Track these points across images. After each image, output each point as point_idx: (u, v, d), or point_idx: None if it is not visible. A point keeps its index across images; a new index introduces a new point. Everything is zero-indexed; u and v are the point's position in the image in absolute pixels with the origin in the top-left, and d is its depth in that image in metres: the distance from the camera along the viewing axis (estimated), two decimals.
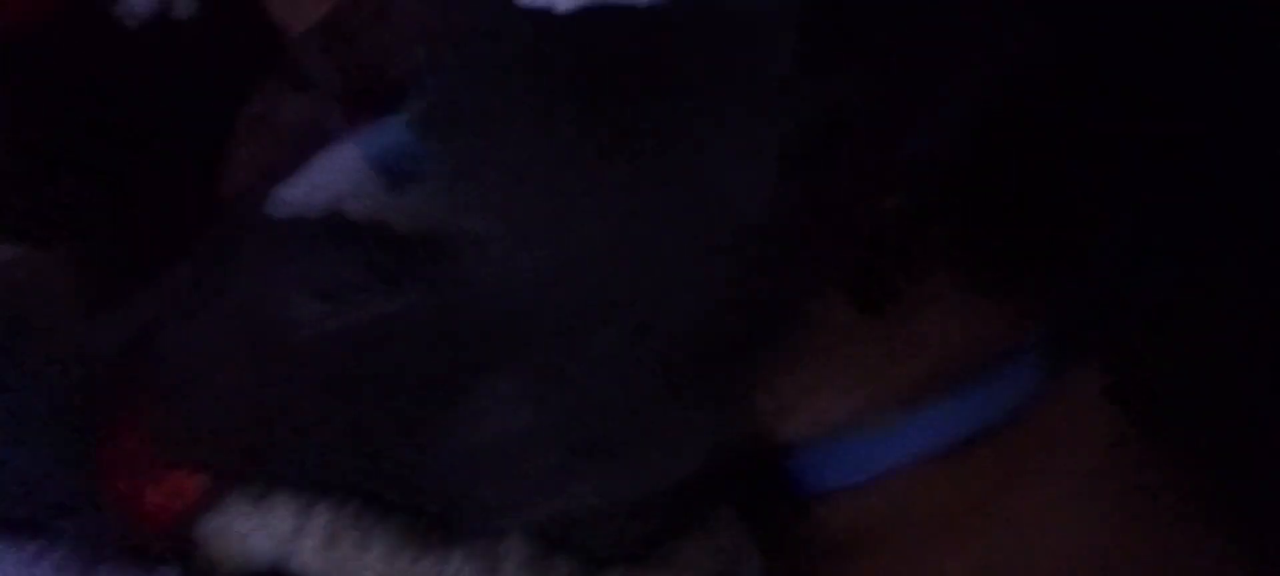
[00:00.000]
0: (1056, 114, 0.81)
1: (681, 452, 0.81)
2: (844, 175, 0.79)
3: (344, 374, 0.85)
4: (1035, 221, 0.82)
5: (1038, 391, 0.83)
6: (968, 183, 0.81)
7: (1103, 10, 0.80)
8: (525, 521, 0.84)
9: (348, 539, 0.84)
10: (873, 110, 0.78)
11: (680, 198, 0.78)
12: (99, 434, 0.87)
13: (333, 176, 0.91)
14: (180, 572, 0.86)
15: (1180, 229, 0.83)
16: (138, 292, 0.91)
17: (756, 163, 0.77)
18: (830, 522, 0.86)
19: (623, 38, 0.76)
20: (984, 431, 0.82)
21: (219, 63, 1.01)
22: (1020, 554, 0.83)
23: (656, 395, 0.80)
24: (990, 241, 0.83)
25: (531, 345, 0.80)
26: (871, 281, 0.82)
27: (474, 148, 0.81)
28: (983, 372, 0.83)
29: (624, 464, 0.81)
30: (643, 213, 0.78)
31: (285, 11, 1.00)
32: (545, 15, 0.76)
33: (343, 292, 0.85)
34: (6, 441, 0.88)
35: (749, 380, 0.82)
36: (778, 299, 0.81)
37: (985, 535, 0.84)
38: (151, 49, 1.01)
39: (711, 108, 0.77)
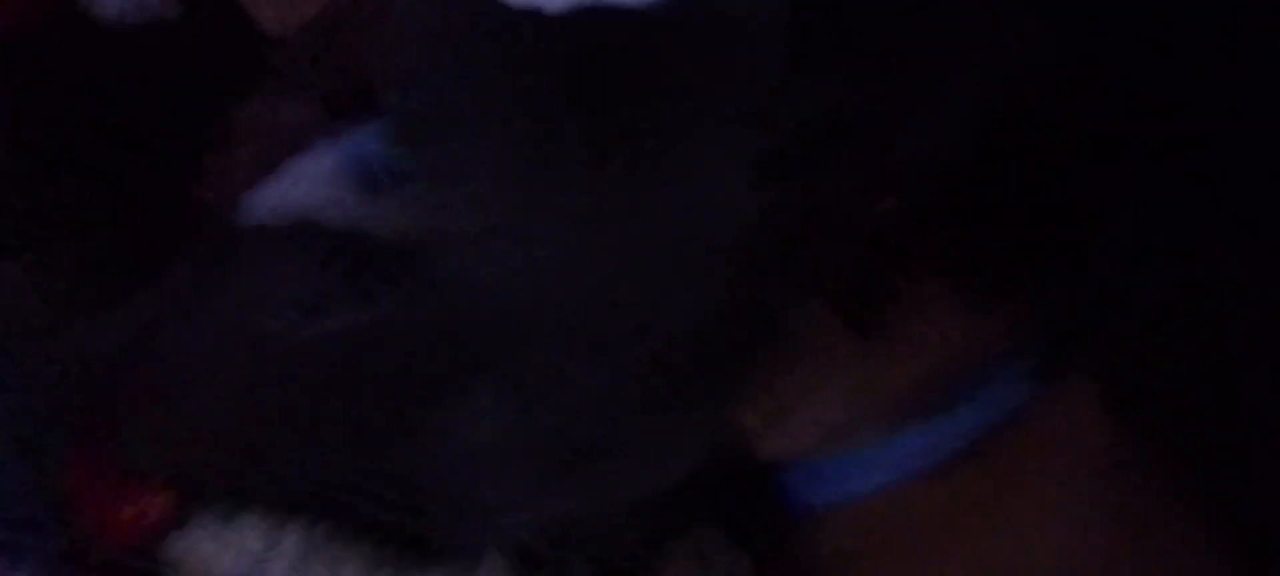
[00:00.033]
0: (1052, 118, 0.80)
1: (664, 463, 0.80)
2: (839, 178, 0.78)
3: (318, 386, 0.83)
4: (1029, 228, 0.82)
5: (1030, 400, 0.82)
6: (962, 188, 0.80)
7: (1098, 12, 0.80)
8: (505, 538, 0.83)
9: (320, 559, 0.82)
10: (868, 112, 0.77)
11: (664, 206, 0.77)
12: (67, 450, 0.86)
13: (308, 182, 0.90)
14: None
15: (1175, 235, 0.82)
16: (111, 304, 0.89)
17: (744, 172, 0.76)
18: (823, 538, 0.86)
19: (612, 40, 0.75)
20: (976, 443, 0.82)
21: (200, 66, 1.00)
22: (1014, 565, 0.83)
23: (638, 405, 0.79)
24: (984, 249, 0.82)
25: (510, 354, 0.79)
26: (864, 292, 0.81)
27: (454, 152, 0.80)
28: (975, 383, 0.82)
29: (605, 475, 0.80)
30: (625, 220, 0.77)
31: (269, 15, 0.99)
32: (534, 16, 0.75)
33: (317, 302, 0.84)
34: None
35: (735, 391, 0.81)
36: (765, 308, 0.80)
37: (979, 546, 0.83)
38: (130, 51, 1.00)
39: (699, 115, 0.76)
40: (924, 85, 0.78)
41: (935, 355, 0.82)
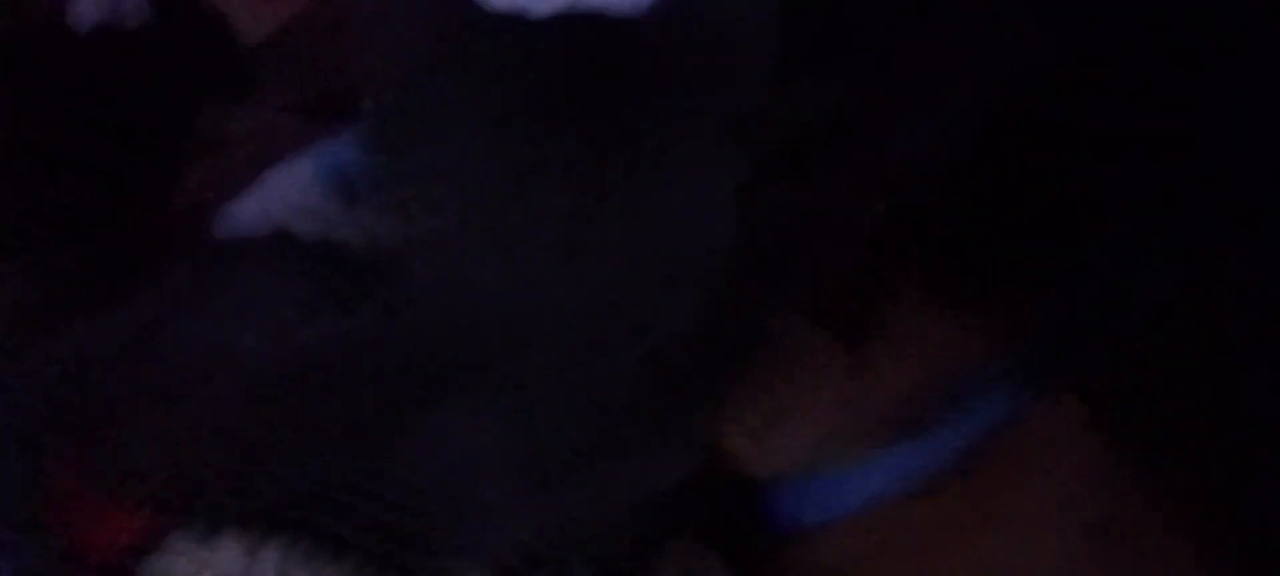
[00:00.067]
0: (1039, 129, 0.80)
1: (651, 474, 0.80)
2: (827, 185, 0.78)
3: (296, 402, 0.82)
4: (1015, 242, 0.82)
5: (1017, 416, 0.82)
6: (949, 198, 0.80)
7: (1088, 24, 0.79)
8: (485, 556, 0.81)
9: None
10: (857, 118, 0.77)
11: (651, 213, 0.77)
12: (41, 468, 0.85)
13: (284, 194, 0.89)
14: None
15: (1162, 249, 0.82)
16: (85, 316, 0.88)
17: (733, 180, 0.75)
18: (811, 555, 0.85)
19: (599, 46, 0.75)
20: (963, 460, 0.82)
21: (174, 75, 0.99)
22: None
23: (624, 415, 0.78)
24: (970, 262, 0.82)
25: (491, 364, 0.79)
26: (851, 303, 0.81)
27: (432, 160, 0.80)
28: (962, 397, 0.82)
29: (591, 486, 0.79)
30: (612, 228, 0.77)
31: (244, 21, 0.98)
32: (518, 21, 0.75)
33: (295, 317, 0.83)
34: None
35: (724, 400, 0.81)
36: (754, 317, 0.79)
37: (968, 562, 0.83)
38: (104, 59, 0.99)
39: (687, 123, 0.76)
40: (913, 93, 0.78)
41: (922, 368, 0.82)
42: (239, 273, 0.86)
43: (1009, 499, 0.82)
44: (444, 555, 0.80)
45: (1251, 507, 0.82)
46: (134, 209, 0.95)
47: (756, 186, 0.76)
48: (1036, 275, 0.82)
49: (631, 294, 0.77)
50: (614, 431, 0.79)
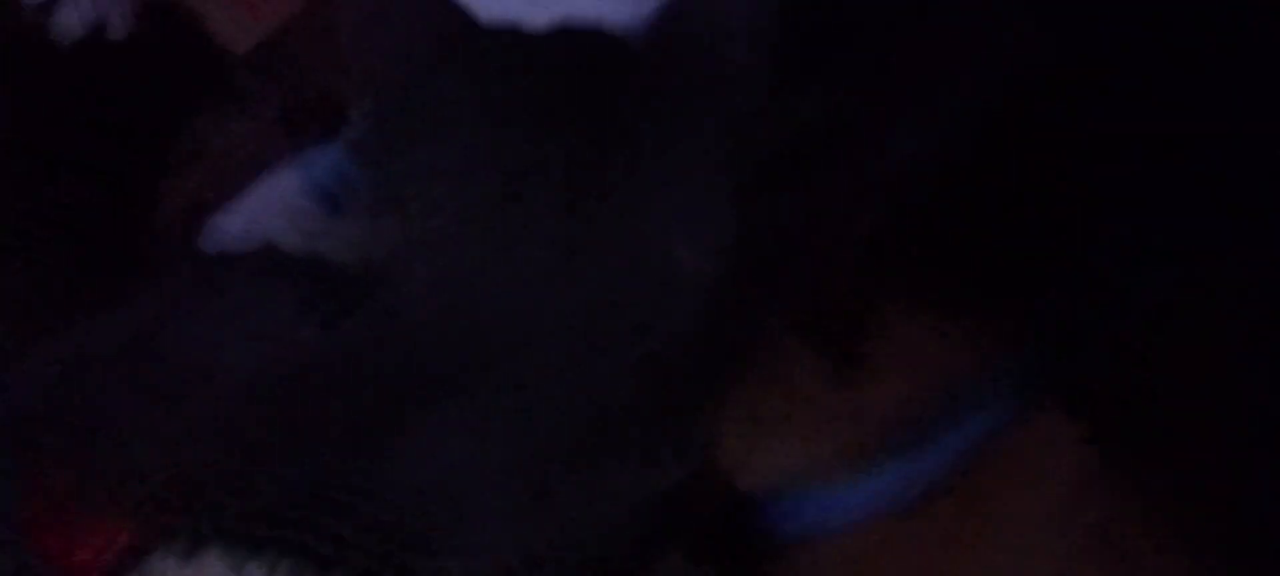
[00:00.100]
0: (1026, 144, 0.80)
1: (639, 482, 0.79)
2: (816, 198, 0.77)
3: (284, 412, 0.82)
4: (1004, 256, 0.81)
5: (1007, 433, 0.81)
6: (940, 210, 0.79)
7: (1077, 37, 0.79)
8: (481, 561, 0.81)
9: None
10: (846, 130, 0.76)
11: (638, 227, 0.76)
12: (21, 484, 0.84)
13: (270, 206, 0.89)
14: None
15: (1154, 259, 0.82)
16: (62, 330, 0.88)
17: (723, 193, 0.75)
18: (801, 570, 0.84)
19: (590, 58, 0.75)
20: (953, 477, 0.81)
21: (156, 86, 0.98)
22: None
23: (612, 423, 0.78)
24: (960, 275, 0.81)
25: (480, 371, 0.78)
26: (839, 320, 0.80)
27: (419, 173, 0.79)
28: (952, 413, 0.81)
29: (580, 494, 0.79)
30: (600, 242, 0.77)
31: (226, 31, 0.98)
32: (512, 34, 0.74)
33: (277, 332, 0.82)
34: None
35: (703, 420, 0.80)
36: (742, 332, 0.78)
37: (959, 574, 0.82)
38: (85, 71, 0.98)
39: (677, 137, 0.75)
40: (907, 100, 0.77)
41: (916, 379, 0.81)
42: (226, 286, 0.86)
43: (1002, 509, 0.82)
44: (438, 559, 0.80)
45: (1246, 516, 0.81)
46: (117, 219, 0.95)
47: (749, 194, 0.75)
48: (1030, 284, 0.81)
49: (627, 299, 0.77)
50: (610, 435, 0.78)
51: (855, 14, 0.75)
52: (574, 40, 0.74)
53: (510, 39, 0.75)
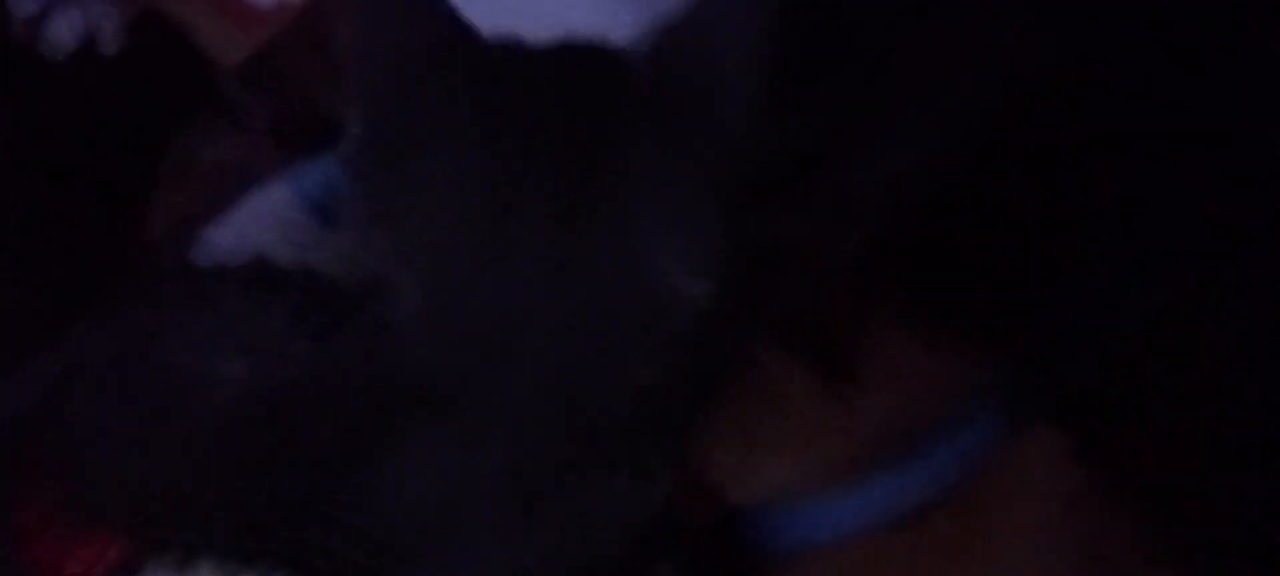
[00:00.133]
0: (1017, 158, 0.80)
1: (628, 500, 0.78)
2: (804, 215, 0.77)
3: (268, 431, 0.81)
4: (992, 271, 0.81)
5: (998, 447, 0.82)
6: (927, 229, 0.79)
7: (1068, 51, 0.79)
8: None
9: None
10: (834, 147, 0.76)
11: (620, 251, 0.76)
12: (10, 497, 0.84)
13: (262, 220, 0.88)
14: None
15: (1141, 278, 0.82)
16: (50, 344, 0.87)
17: (703, 225, 0.75)
18: None
19: (582, 75, 0.75)
20: (944, 491, 0.81)
21: (145, 97, 0.98)
22: None
23: (592, 448, 0.77)
24: (948, 293, 0.81)
25: (460, 394, 0.77)
26: (828, 334, 0.80)
27: (416, 182, 0.79)
28: (942, 428, 0.81)
29: (560, 520, 0.78)
30: (581, 262, 0.76)
31: (216, 44, 0.98)
32: (502, 48, 0.75)
33: (267, 346, 0.82)
34: None
35: (693, 434, 0.80)
36: (724, 353, 0.79)
37: None
38: (75, 86, 0.98)
39: (662, 162, 0.75)
40: (894, 117, 0.77)
41: (904, 395, 0.81)
42: (217, 298, 0.86)
43: (993, 522, 0.82)
44: (428, 573, 0.79)
45: (1234, 529, 0.82)
46: (107, 231, 0.95)
47: (740, 208, 0.75)
48: (1020, 298, 0.82)
49: (618, 312, 0.76)
50: (599, 448, 0.78)
51: (848, 20, 0.75)
52: (570, 55, 0.74)
53: (505, 52, 0.75)
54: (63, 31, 0.99)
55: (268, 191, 0.91)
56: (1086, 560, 0.81)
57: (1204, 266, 0.82)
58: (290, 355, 0.83)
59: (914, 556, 0.82)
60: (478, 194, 0.77)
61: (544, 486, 0.78)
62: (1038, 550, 0.82)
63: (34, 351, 0.88)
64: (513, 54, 0.75)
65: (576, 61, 0.75)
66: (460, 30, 0.76)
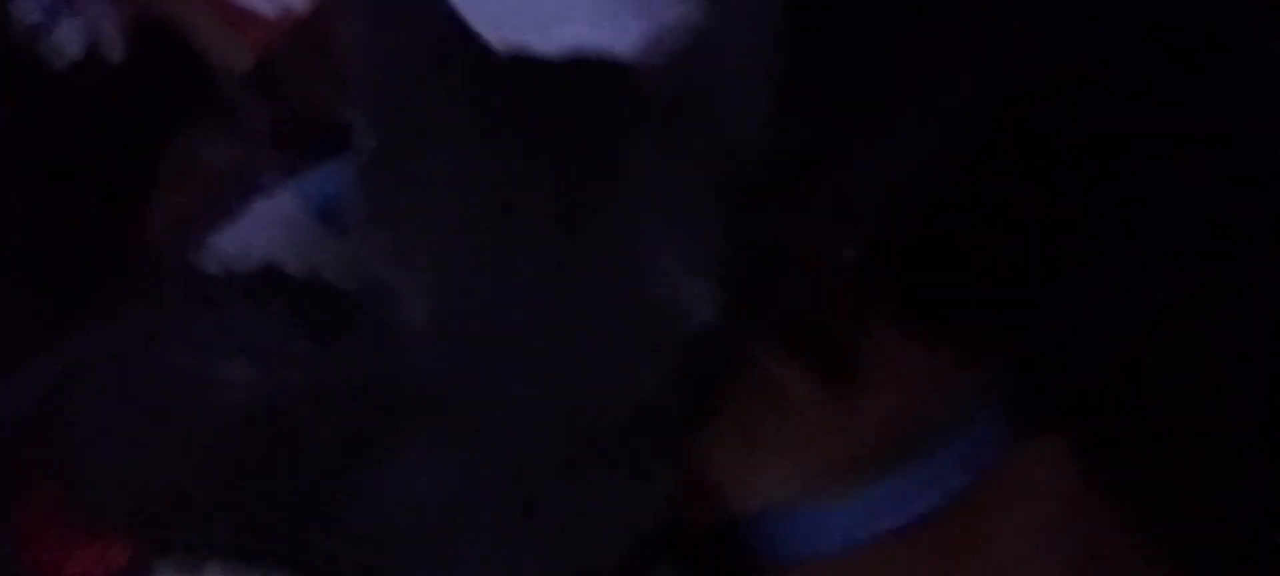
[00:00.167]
0: (1013, 161, 0.80)
1: (617, 517, 0.79)
2: (803, 214, 0.77)
3: (267, 434, 0.81)
4: (991, 272, 0.81)
5: (1000, 456, 0.81)
6: (925, 232, 0.79)
7: (1064, 55, 0.79)
8: None
9: None
10: (829, 148, 0.76)
11: (620, 252, 0.76)
12: (11, 496, 0.84)
13: (269, 227, 0.88)
14: None
15: (1140, 280, 0.82)
16: (51, 345, 0.87)
17: (703, 226, 0.75)
18: None
19: (586, 81, 0.75)
20: (946, 500, 0.81)
21: (145, 99, 0.98)
22: None
23: (589, 457, 0.77)
24: (947, 297, 0.81)
25: (461, 395, 0.78)
26: (827, 341, 0.80)
27: (407, 189, 0.79)
28: (943, 435, 0.81)
29: (560, 521, 0.78)
30: (582, 263, 0.76)
31: (217, 48, 0.98)
32: (519, 59, 0.75)
33: (268, 347, 0.82)
34: None
35: (690, 442, 0.80)
36: (725, 354, 0.78)
37: None
38: (76, 86, 0.98)
39: (663, 164, 0.75)
40: (894, 118, 0.77)
41: (901, 399, 0.81)
42: (221, 304, 0.86)
43: (990, 528, 0.81)
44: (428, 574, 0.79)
45: (1233, 530, 0.82)
46: (107, 233, 0.95)
47: (740, 209, 0.75)
48: (1017, 303, 0.82)
49: (618, 313, 0.76)
50: (599, 449, 0.78)
51: (848, 21, 0.75)
52: (579, 66, 0.74)
53: (506, 57, 0.75)
54: (68, 38, 1.00)
55: (275, 198, 0.91)
56: (1087, 561, 0.81)
57: (1204, 266, 0.82)
58: (291, 356, 0.83)
59: (914, 557, 0.81)
60: (478, 195, 0.77)
61: (544, 487, 0.78)
62: (1038, 551, 0.81)
63: (35, 352, 0.88)
64: (514, 59, 0.75)
65: (578, 65, 0.75)
66: (462, 33, 0.76)
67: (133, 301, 0.88)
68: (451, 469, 0.79)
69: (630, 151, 0.75)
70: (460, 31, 0.76)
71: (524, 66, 0.75)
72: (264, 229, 0.89)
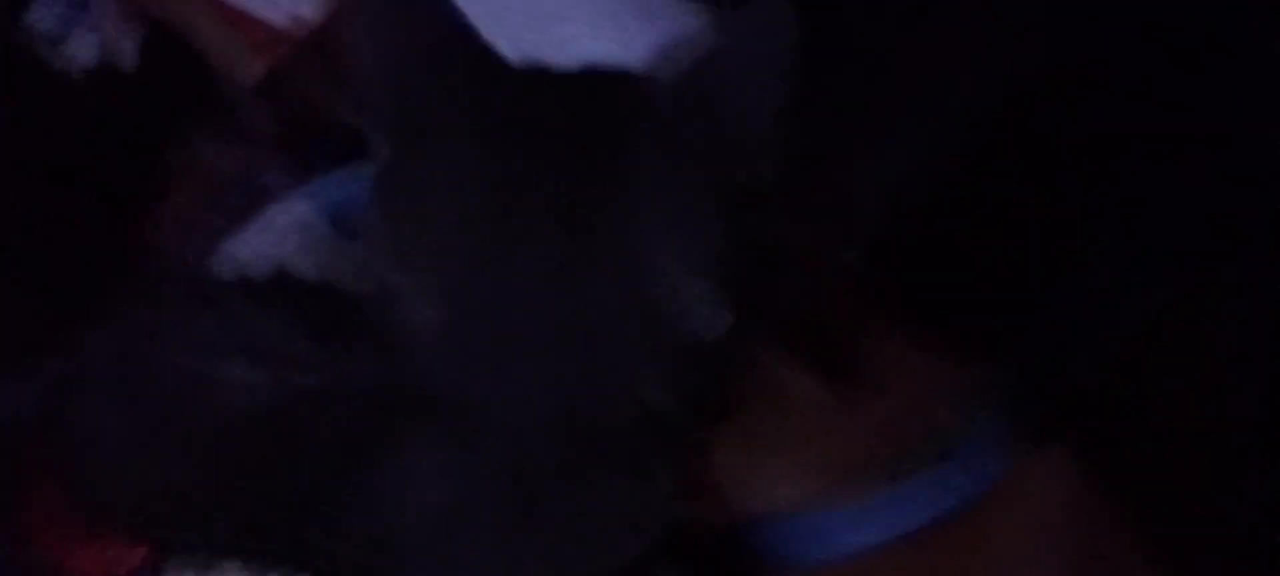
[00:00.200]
0: (1014, 159, 0.80)
1: (618, 518, 0.79)
2: (805, 217, 0.77)
3: (268, 435, 0.81)
4: (991, 272, 0.81)
5: (1006, 467, 0.81)
6: (928, 237, 0.79)
7: (1064, 59, 0.79)
8: None
9: None
10: (829, 148, 0.76)
11: (621, 252, 0.76)
12: (16, 496, 0.84)
13: (283, 232, 0.88)
14: None
15: (1136, 280, 0.82)
16: (57, 346, 0.88)
17: (704, 227, 0.75)
18: None
19: (591, 86, 0.75)
20: (952, 510, 0.81)
21: (152, 104, 0.99)
22: None
23: (590, 458, 0.77)
24: (946, 296, 0.81)
25: (462, 395, 0.78)
26: (832, 346, 0.80)
27: (409, 191, 0.79)
28: (949, 442, 0.81)
29: (556, 529, 0.78)
30: (583, 262, 0.77)
31: (225, 57, 0.98)
32: (533, 74, 0.75)
33: (269, 349, 0.82)
34: None
35: (692, 443, 0.79)
36: (724, 363, 0.78)
37: None
38: (89, 98, 0.99)
39: (666, 169, 0.75)
40: (889, 123, 0.77)
41: (902, 400, 0.81)
42: (220, 302, 0.86)
43: (991, 528, 0.81)
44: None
45: (1233, 534, 0.82)
46: (112, 235, 0.95)
47: (741, 211, 0.75)
48: (1017, 304, 0.81)
49: (619, 313, 0.76)
50: (600, 449, 0.78)
51: (848, 21, 0.75)
52: (593, 81, 0.75)
53: (532, 79, 0.76)
54: (81, 46, 1.00)
55: (286, 207, 0.91)
56: (1087, 561, 0.81)
57: (1204, 266, 0.82)
58: (293, 358, 0.83)
59: (915, 558, 0.81)
60: (482, 198, 0.77)
61: (545, 488, 0.78)
62: (1039, 551, 0.81)
63: (39, 352, 0.89)
64: (521, 66, 0.76)
65: (583, 72, 0.75)
66: (467, 40, 0.76)
67: (135, 303, 0.88)
68: (453, 469, 0.79)
69: (633, 154, 0.75)
70: (465, 38, 0.77)
71: (530, 73, 0.76)
72: (278, 234, 0.89)
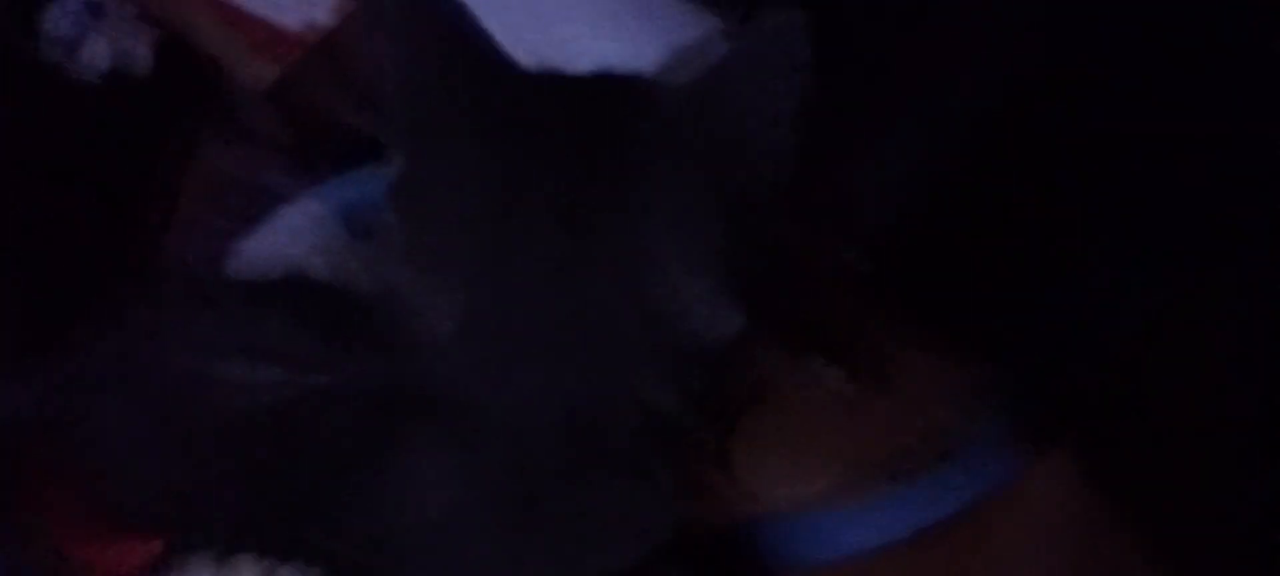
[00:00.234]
0: (1017, 160, 0.80)
1: (620, 519, 0.79)
2: (811, 218, 0.78)
3: (270, 436, 0.82)
4: (992, 273, 0.81)
5: (1010, 472, 0.81)
6: (923, 233, 0.79)
7: (1065, 61, 0.80)
8: None
9: None
10: (829, 149, 0.76)
11: (624, 252, 0.77)
12: (21, 495, 0.85)
13: (297, 234, 0.89)
14: None
15: (1137, 281, 0.82)
16: (63, 346, 0.88)
17: (707, 227, 0.76)
18: None
19: (606, 100, 0.76)
20: (956, 513, 0.81)
21: (162, 109, 0.99)
22: None
23: (592, 458, 0.78)
24: (947, 296, 0.81)
25: (461, 401, 0.78)
26: (840, 346, 0.80)
27: (431, 205, 0.79)
28: (953, 445, 0.81)
29: (557, 530, 0.78)
30: (585, 262, 0.77)
31: (236, 62, 0.99)
32: (547, 78, 0.76)
33: (271, 349, 0.83)
34: None
35: (695, 444, 0.80)
36: (726, 364, 0.78)
37: None
38: (103, 105, 1.00)
39: (669, 173, 0.75)
40: (889, 124, 0.78)
41: (907, 406, 0.81)
42: (231, 306, 0.86)
43: (992, 529, 0.81)
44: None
45: (1233, 534, 0.81)
46: (122, 238, 0.95)
47: (744, 212, 0.76)
48: (1018, 304, 0.81)
49: (621, 313, 0.77)
50: (600, 456, 0.78)
51: (848, 21, 0.76)
52: (606, 86, 0.75)
53: (546, 84, 0.76)
54: (95, 52, 1.01)
55: (299, 208, 0.91)
56: (1088, 561, 0.81)
57: (1204, 266, 0.82)
58: (296, 358, 0.83)
59: (916, 559, 0.81)
60: (489, 201, 0.78)
61: (547, 489, 0.78)
62: (1039, 551, 0.81)
63: (44, 353, 0.89)
64: (531, 71, 0.76)
65: (593, 78, 0.76)
66: (479, 45, 0.77)
67: (140, 303, 0.88)
68: (455, 469, 0.79)
69: (640, 158, 0.76)
70: (478, 42, 0.77)
71: (539, 78, 0.76)
72: (293, 233, 0.89)
